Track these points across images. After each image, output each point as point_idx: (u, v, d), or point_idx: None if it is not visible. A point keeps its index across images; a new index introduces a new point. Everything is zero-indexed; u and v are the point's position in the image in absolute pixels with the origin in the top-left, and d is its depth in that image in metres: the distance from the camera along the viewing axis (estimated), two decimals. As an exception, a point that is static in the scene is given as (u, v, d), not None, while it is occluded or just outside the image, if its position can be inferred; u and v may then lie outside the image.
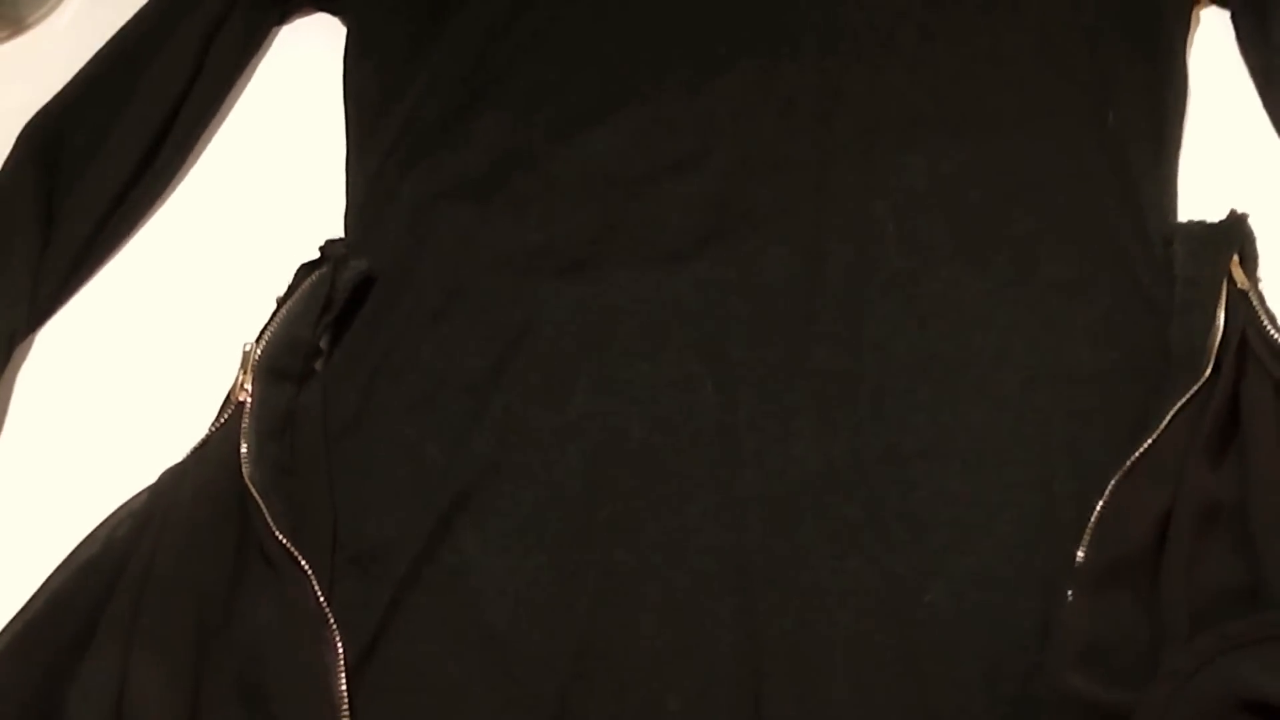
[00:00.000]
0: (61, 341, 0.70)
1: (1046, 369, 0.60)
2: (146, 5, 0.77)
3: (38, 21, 0.82)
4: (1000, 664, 0.54)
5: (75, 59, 0.75)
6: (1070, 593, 0.54)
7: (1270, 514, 0.54)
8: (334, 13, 0.78)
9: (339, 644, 0.56)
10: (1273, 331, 0.58)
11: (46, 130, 0.73)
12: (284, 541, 0.57)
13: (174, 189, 0.74)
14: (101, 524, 0.61)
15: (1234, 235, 0.61)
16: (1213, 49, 0.69)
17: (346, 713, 0.55)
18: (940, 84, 0.68)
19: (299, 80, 0.76)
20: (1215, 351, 0.57)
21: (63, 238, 0.71)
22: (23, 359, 0.69)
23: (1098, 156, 0.65)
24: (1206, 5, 0.70)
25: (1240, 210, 0.62)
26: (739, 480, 0.59)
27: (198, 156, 0.75)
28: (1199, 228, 0.62)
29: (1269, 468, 0.55)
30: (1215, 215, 0.62)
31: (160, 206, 0.74)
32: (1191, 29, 0.69)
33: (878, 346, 0.62)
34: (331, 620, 0.56)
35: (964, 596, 0.56)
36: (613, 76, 0.71)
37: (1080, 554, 0.54)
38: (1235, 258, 0.60)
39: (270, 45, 0.78)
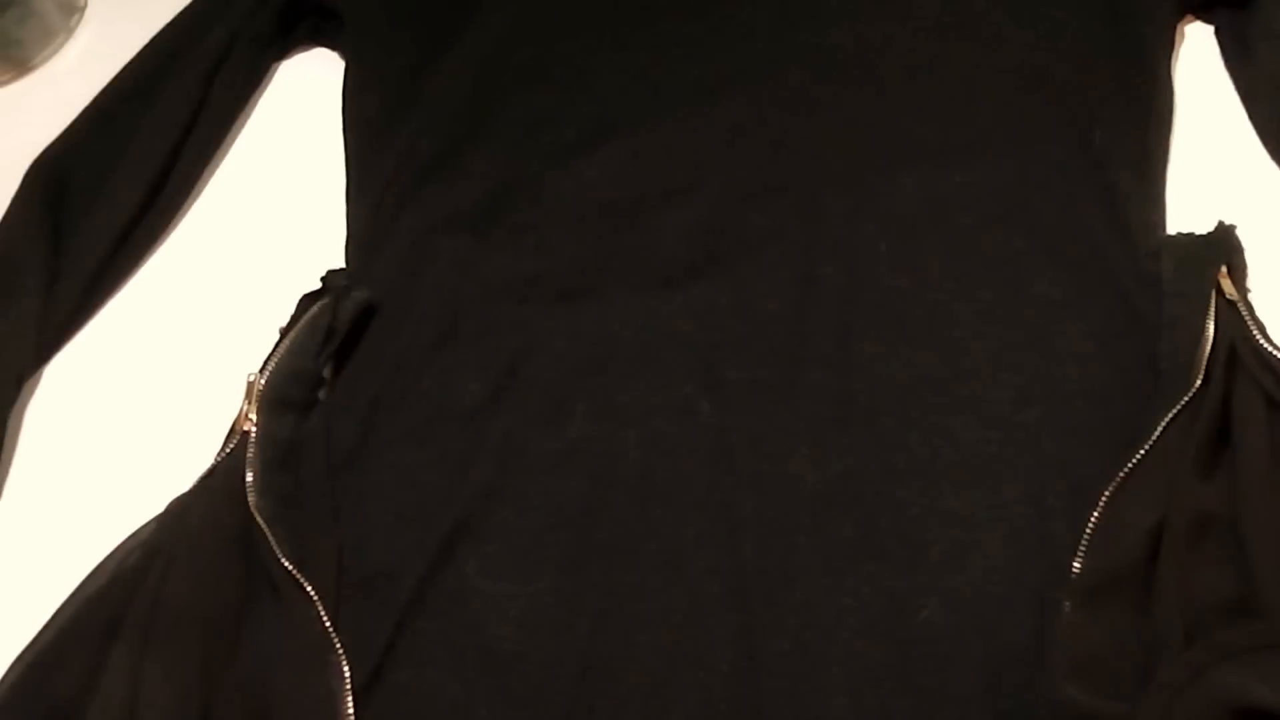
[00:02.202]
0: (68, 375, 0.71)
1: (1037, 386, 0.61)
2: (148, 45, 0.78)
3: (43, 62, 0.84)
4: (997, 678, 0.55)
5: (80, 99, 0.76)
6: (1066, 605, 0.54)
7: (1261, 524, 0.54)
8: (332, 47, 0.79)
9: (345, 669, 0.57)
10: (1262, 342, 0.59)
11: (52, 168, 0.74)
12: (290, 569, 0.58)
13: (178, 223, 0.75)
14: (110, 555, 0.62)
15: (1221, 247, 0.62)
16: (1197, 63, 0.69)
17: (352, 737, 0.55)
18: (928, 109, 0.68)
19: (299, 115, 0.78)
20: (1205, 363, 0.58)
21: (69, 274, 0.72)
22: (31, 393, 0.70)
23: (1084, 176, 0.66)
24: (1190, 21, 0.71)
25: (1227, 222, 0.63)
26: (735, 501, 0.60)
27: (201, 191, 0.76)
28: (1186, 240, 0.63)
29: (1260, 479, 0.55)
30: (1203, 228, 0.63)
31: (165, 240, 0.75)
32: (1176, 45, 0.69)
33: (870, 367, 0.62)
34: (338, 645, 0.57)
35: (959, 612, 0.56)
36: (606, 107, 0.72)
37: (1075, 566, 0.55)
38: (1224, 269, 0.61)
39: (270, 80, 0.79)
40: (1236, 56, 0.69)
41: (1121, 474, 0.56)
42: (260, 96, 0.79)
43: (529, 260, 0.68)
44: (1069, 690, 0.52)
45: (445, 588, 0.60)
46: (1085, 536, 0.55)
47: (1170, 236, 0.64)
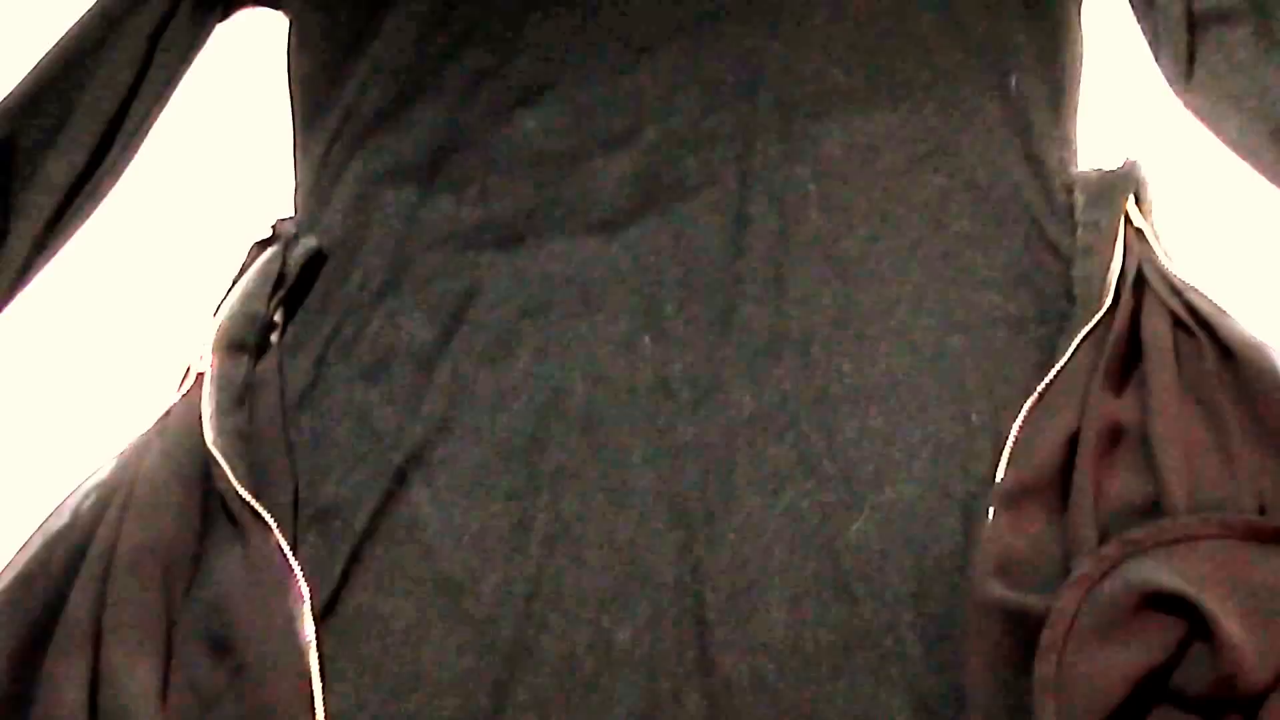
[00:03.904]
0: (25, 325, 0.72)
1: (961, 315, 0.64)
2: (92, 7, 0.79)
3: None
4: (925, 583, 0.58)
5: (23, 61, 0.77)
6: (990, 511, 0.58)
7: (1168, 432, 0.58)
8: (275, 7, 0.81)
9: (305, 593, 0.59)
10: (1167, 265, 0.63)
11: (-2, 129, 0.75)
12: (248, 499, 0.60)
13: (128, 179, 0.77)
14: (69, 495, 0.63)
15: (1129, 180, 0.66)
16: (1105, 11, 0.73)
17: (313, 658, 0.57)
18: (854, 58, 0.72)
19: (245, 72, 0.79)
20: (1114, 285, 0.62)
21: (18, 233, 0.73)
22: (-15, 344, 0.71)
23: (1002, 118, 0.69)
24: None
25: (1134, 158, 0.67)
26: (676, 429, 0.63)
27: (151, 147, 0.77)
28: (1096, 175, 0.67)
29: (1167, 390, 0.59)
30: (1112, 164, 0.67)
31: (115, 196, 0.76)
32: (1084, -4, 0.73)
33: (802, 301, 0.65)
34: (296, 570, 0.59)
35: (890, 525, 0.60)
36: (547, 61, 0.74)
37: (999, 476, 0.59)
38: (1131, 200, 0.65)
39: (216, 39, 0.81)
40: (1142, 4, 0.73)
41: (1039, 389, 0.60)
42: (206, 55, 0.80)
43: (473, 209, 0.71)
44: (993, 587, 0.56)
45: (399, 517, 0.62)
46: (1007, 449, 0.59)
47: (1082, 172, 0.68)
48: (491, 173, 0.72)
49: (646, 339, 0.66)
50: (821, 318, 0.65)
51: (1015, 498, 0.58)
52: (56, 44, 0.78)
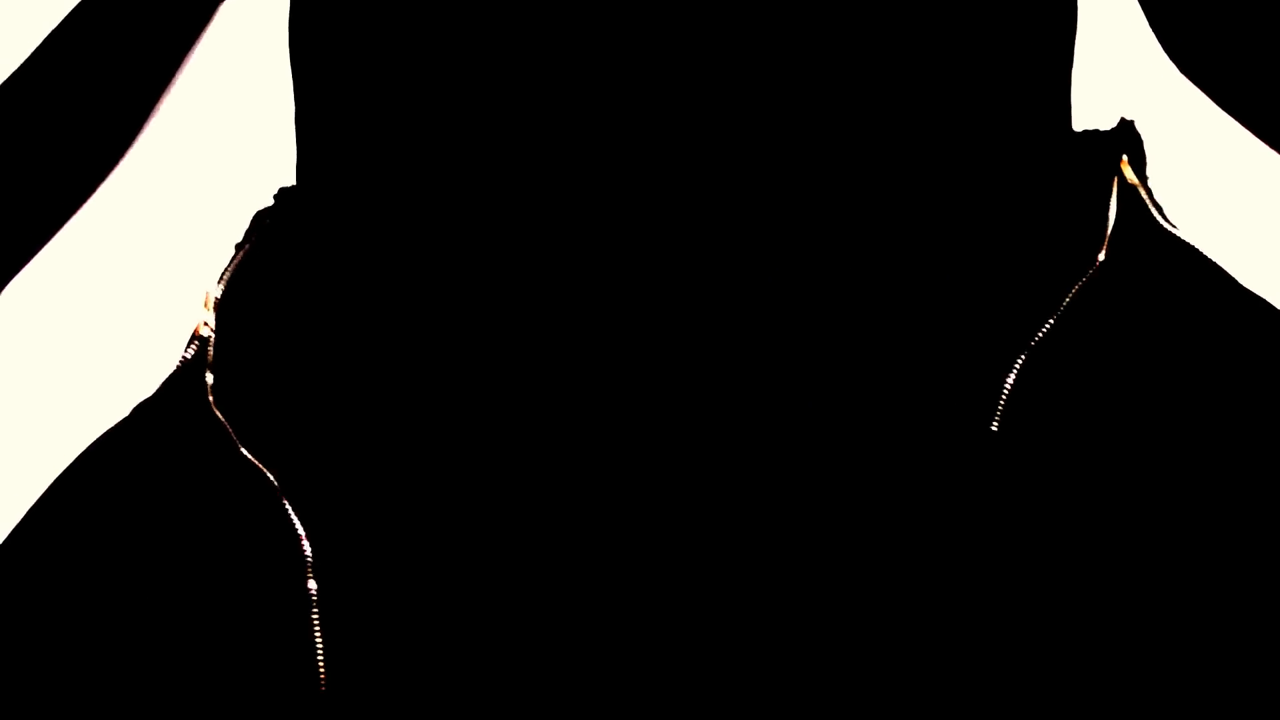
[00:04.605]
0: (38, 288, 0.73)
1: (959, 267, 0.65)
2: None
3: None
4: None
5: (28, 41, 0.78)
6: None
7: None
8: (278, -18, 0.81)
9: (308, 552, 0.60)
10: (1160, 220, 0.64)
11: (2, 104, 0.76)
12: (250, 458, 0.61)
13: (135, 157, 0.78)
14: (77, 458, 0.64)
15: (1123, 139, 0.66)
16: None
17: (316, 608, 0.58)
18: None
19: (249, 46, 0.80)
20: (1108, 240, 0.62)
21: (21, 212, 0.74)
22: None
23: (1000, 79, 0.70)
24: (1091, -64, 0.75)
25: (1128, 117, 0.67)
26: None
27: (159, 121, 0.78)
28: (1093, 135, 0.67)
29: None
30: (1107, 124, 0.68)
31: (123, 169, 0.77)
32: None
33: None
34: (298, 524, 0.60)
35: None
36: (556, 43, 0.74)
37: (994, 427, 0.59)
38: (1125, 158, 0.66)
39: (220, 15, 0.82)
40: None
41: (1030, 344, 0.60)
42: (211, 30, 0.81)
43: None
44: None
45: (402, 473, 0.63)
46: (1002, 401, 0.60)
47: (1078, 132, 0.68)
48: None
49: None
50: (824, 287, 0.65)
51: (1011, 451, 0.59)
52: (59, 26, 0.79)
